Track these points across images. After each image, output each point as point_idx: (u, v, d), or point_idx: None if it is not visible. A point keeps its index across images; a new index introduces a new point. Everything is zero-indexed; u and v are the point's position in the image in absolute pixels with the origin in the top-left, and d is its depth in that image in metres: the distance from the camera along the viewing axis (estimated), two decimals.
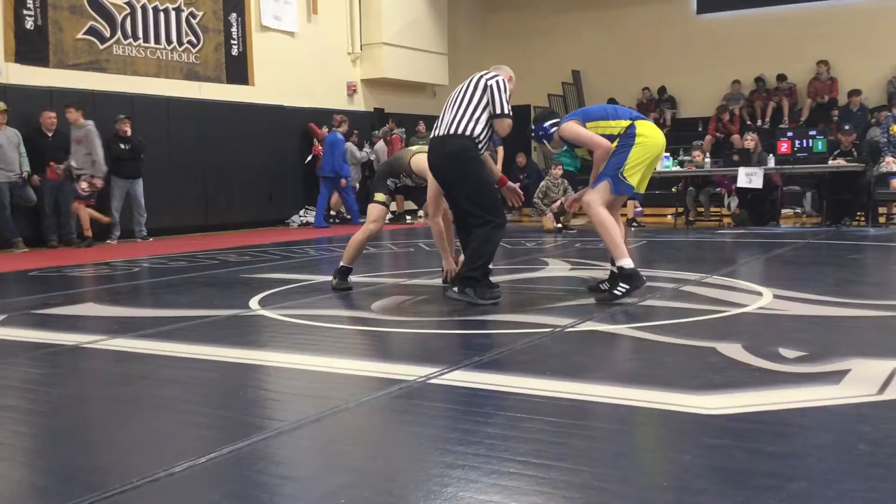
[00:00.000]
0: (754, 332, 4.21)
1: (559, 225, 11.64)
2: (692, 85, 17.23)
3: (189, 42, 13.14)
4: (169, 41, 12.83)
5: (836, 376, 3.18)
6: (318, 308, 5.34)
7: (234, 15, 13.86)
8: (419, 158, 5.69)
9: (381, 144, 15.36)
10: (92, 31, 11.80)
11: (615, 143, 5.09)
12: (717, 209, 12.81)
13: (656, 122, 16.62)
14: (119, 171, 11.55)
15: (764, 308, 4.80)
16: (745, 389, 3.04)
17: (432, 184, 5.51)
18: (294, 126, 14.76)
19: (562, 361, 3.68)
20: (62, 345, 4.33)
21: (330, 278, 6.17)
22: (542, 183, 12.55)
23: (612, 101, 17.17)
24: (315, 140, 14.86)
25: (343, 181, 13.80)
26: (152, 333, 4.54)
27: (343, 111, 15.68)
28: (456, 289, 5.12)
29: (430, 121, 9.67)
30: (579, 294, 5.47)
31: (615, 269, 5.16)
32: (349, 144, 15.01)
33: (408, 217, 15.39)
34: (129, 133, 11.53)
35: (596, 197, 5.09)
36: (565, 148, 5.74)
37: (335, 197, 15.05)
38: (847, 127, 11.99)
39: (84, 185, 10.63)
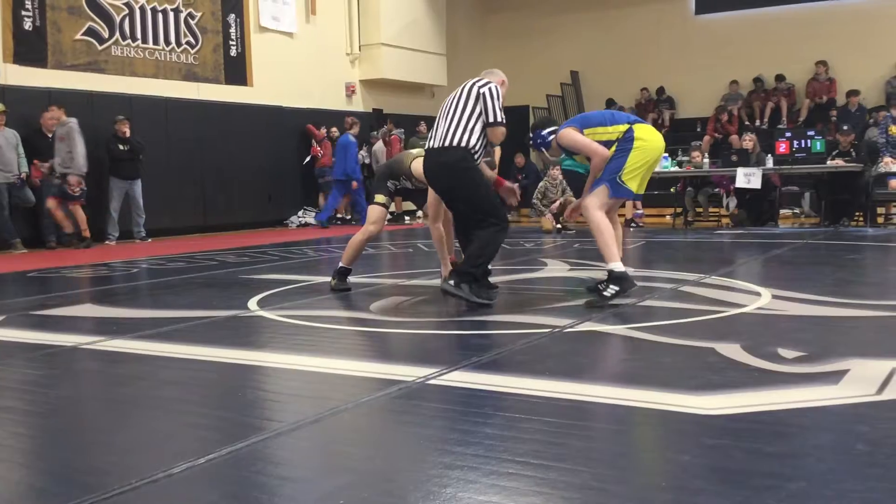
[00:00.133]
0: (753, 332, 4.21)
1: (558, 225, 11.64)
2: (691, 85, 17.24)
3: (187, 43, 13.14)
4: (167, 42, 12.83)
5: (835, 376, 3.18)
6: (317, 309, 5.34)
7: (232, 16, 13.85)
8: (420, 162, 5.69)
9: (379, 145, 15.37)
10: (90, 32, 11.80)
11: (613, 148, 5.09)
12: (716, 209, 12.82)
13: (655, 122, 16.66)
14: (118, 172, 11.56)
15: (762, 308, 4.80)
16: (744, 389, 3.04)
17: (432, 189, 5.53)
18: (293, 127, 14.76)
19: (560, 362, 3.68)
20: (60, 346, 4.32)
21: (329, 279, 6.17)
22: (541, 184, 12.56)
23: (610, 101, 17.23)
24: (313, 141, 14.87)
25: (354, 183, 13.77)
26: (151, 334, 4.54)
27: (342, 112, 15.70)
28: (452, 282, 5.03)
29: (430, 121, 9.66)
30: (578, 294, 5.47)
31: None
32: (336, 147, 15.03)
33: (406, 218, 15.39)
34: (127, 134, 11.53)
35: (594, 201, 5.09)
36: (563, 155, 5.74)
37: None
38: (845, 127, 12.01)
39: (74, 185, 10.54)
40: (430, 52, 17.27)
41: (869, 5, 15.75)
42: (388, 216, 6.30)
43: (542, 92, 17.74)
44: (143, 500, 2.20)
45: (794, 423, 2.68)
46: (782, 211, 12.90)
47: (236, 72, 13.94)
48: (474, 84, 5.12)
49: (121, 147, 11.51)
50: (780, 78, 16.33)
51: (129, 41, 12.29)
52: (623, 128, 5.11)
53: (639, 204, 13.51)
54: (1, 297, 6.63)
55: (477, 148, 5.06)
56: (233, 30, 13.87)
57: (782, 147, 11.73)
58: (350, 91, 16.33)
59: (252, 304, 5.53)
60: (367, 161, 15.26)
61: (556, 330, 4.29)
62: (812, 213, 13.04)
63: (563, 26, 18.49)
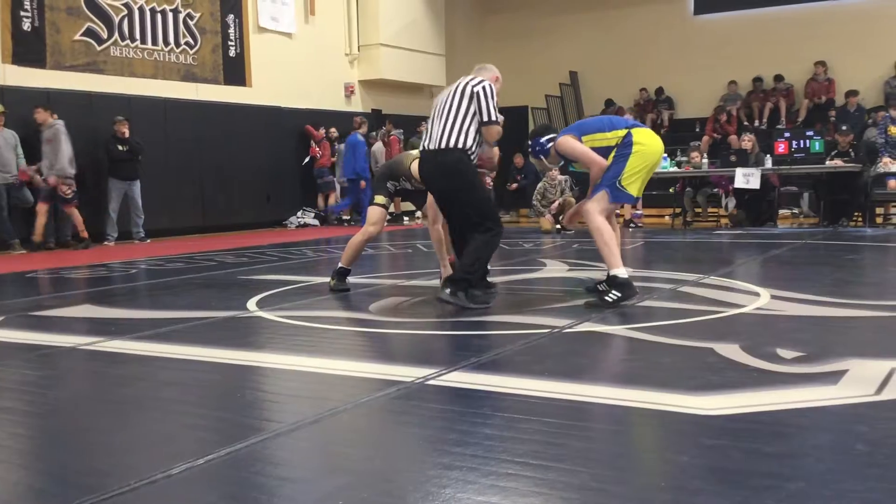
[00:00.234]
0: (752, 332, 4.21)
1: (557, 226, 11.64)
2: (689, 86, 17.24)
3: (186, 43, 13.14)
4: (166, 42, 12.83)
5: (834, 376, 3.18)
6: (316, 309, 5.33)
7: (231, 16, 13.85)
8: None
9: (378, 146, 15.37)
10: (89, 33, 11.80)
11: (613, 153, 5.09)
12: (715, 210, 12.82)
13: (654, 122, 16.67)
14: (117, 173, 11.56)
15: (761, 308, 4.80)
16: (743, 390, 3.04)
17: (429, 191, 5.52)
18: (291, 127, 14.76)
19: (559, 362, 3.68)
20: (59, 346, 4.32)
21: (328, 279, 6.17)
22: (540, 184, 12.55)
23: (609, 102, 17.23)
24: (312, 142, 14.87)
25: (363, 183, 13.78)
26: (150, 335, 4.54)
27: (341, 112, 15.71)
28: (448, 290, 5.00)
29: None
30: (577, 295, 5.47)
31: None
32: (343, 146, 15.03)
33: (405, 219, 15.39)
34: (126, 134, 11.52)
35: (595, 206, 5.09)
36: (562, 163, 5.74)
37: (332, 198, 15.07)
38: (844, 127, 12.01)
39: (65, 188, 10.44)
40: (428, 52, 17.28)
41: (868, 5, 15.76)
42: (388, 217, 6.30)
43: (541, 92, 17.75)
44: (142, 500, 2.19)
45: (793, 423, 2.68)
46: (781, 211, 12.91)
47: (235, 72, 13.94)
48: (468, 83, 5.08)
49: (120, 148, 11.51)
50: (778, 78, 16.34)
51: (128, 42, 12.29)
52: (622, 133, 5.11)
53: (638, 204, 13.51)
54: (0, 297, 6.62)
55: (473, 148, 5.05)
56: (231, 30, 13.87)
57: (781, 147, 11.73)
58: (349, 91, 16.33)
59: (251, 304, 5.53)
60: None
61: (555, 330, 4.29)
62: (811, 214, 13.05)
63: (561, 27, 18.50)
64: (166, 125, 12.72)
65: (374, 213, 5.93)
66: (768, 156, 11.69)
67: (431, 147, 5.09)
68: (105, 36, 11.98)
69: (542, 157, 5.53)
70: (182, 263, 8.54)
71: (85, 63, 11.75)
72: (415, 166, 5.72)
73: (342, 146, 15.00)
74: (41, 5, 11.18)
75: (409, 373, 3.44)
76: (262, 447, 2.59)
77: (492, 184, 14.37)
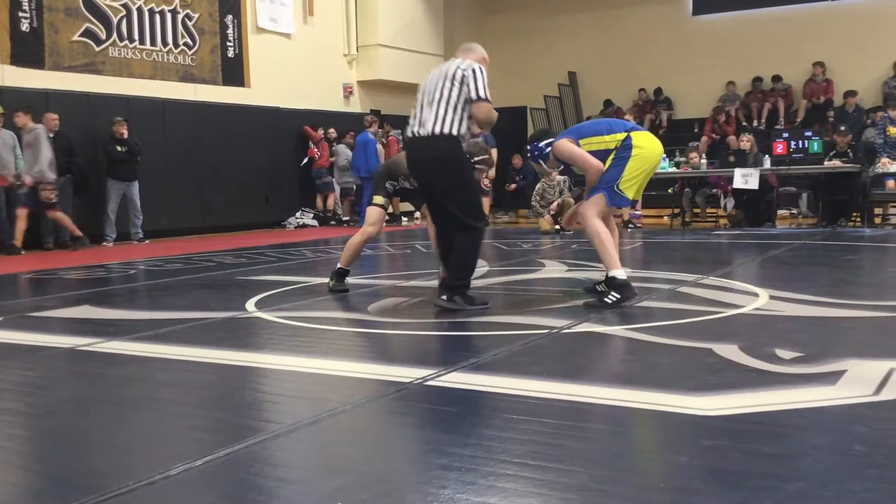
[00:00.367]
0: (750, 332, 4.21)
1: (556, 226, 11.64)
2: (688, 86, 17.25)
3: (185, 44, 13.14)
4: (165, 43, 12.82)
5: (833, 377, 3.18)
6: (315, 310, 5.33)
7: (229, 17, 13.85)
8: None
9: (377, 146, 15.36)
10: (87, 34, 11.80)
11: (611, 157, 5.08)
12: (714, 210, 12.82)
13: (652, 123, 16.68)
14: (115, 174, 11.56)
15: (760, 309, 4.80)
16: (742, 390, 3.04)
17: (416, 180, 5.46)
18: (290, 128, 14.76)
19: (558, 363, 3.68)
20: (58, 347, 4.32)
21: (327, 280, 6.17)
22: (538, 185, 12.55)
23: (608, 102, 17.24)
24: (310, 142, 14.87)
25: None
26: (148, 336, 4.53)
27: (339, 113, 15.72)
28: (445, 297, 5.01)
29: None
30: (576, 295, 5.47)
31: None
32: (341, 147, 15.05)
33: (404, 219, 15.39)
34: (125, 135, 11.52)
35: (592, 209, 5.07)
36: (561, 167, 5.73)
37: (331, 198, 15.08)
38: (843, 128, 12.02)
39: (46, 192, 10.27)
40: (427, 53, 17.27)
41: (866, 6, 15.77)
42: (386, 217, 6.29)
43: (540, 93, 17.76)
44: (141, 501, 2.19)
45: (791, 423, 2.68)
46: (780, 211, 12.92)
47: (234, 73, 13.94)
48: (457, 67, 4.92)
49: (118, 148, 11.51)
50: (777, 78, 16.34)
51: (127, 42, 12.29)
52: (621, 136, 5.09)
53: (637, 205, 13.51)
54: None
55: (465, 136, 4.97)
56: (230, 31, 13.87)
57: (780, 148, 11.73)
58: (348, 92, 16.33)
59: (250, 305, 5.53)
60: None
61: (554, 331, 4.29)
62: (809, 214, 13.06)
63: (560, 27, 18.51)
64: (165, 126, 12.72)
65: (372, 213, 5.93)
66: (767, 156, 11.69)
67: (422, 133, 4.94)
68: (103, 37, 11.98)
69: (541, 161, 5.52)
70: (181, 264, 8.53)
71: (83, 64, 11.74)
72: None
73: (339, 147, 15.02)
74: (39, 6, 11.18)
75: (407, 373, 3.44)
76: (261, 448, 2.59)
77: (490, 184, 14.45)
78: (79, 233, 10.78)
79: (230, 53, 13.87)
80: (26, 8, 11.03)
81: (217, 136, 13.41)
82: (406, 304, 5.54)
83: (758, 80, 16.62)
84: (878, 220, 11.76)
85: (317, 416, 2.90)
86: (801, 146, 11.65)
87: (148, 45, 12.58)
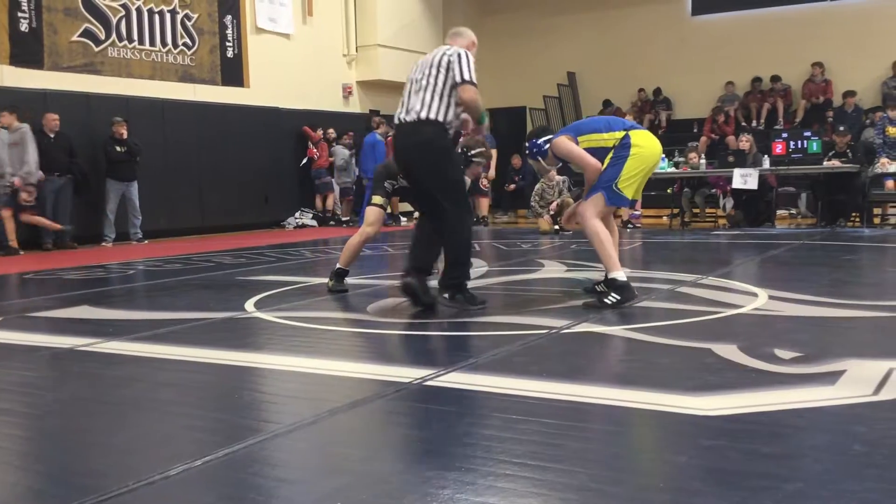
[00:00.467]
0: (750, 332, 4.21)
1: (556, 226, 11.64)
2: (687, 86, 17.26)
3: (184, 44, 13.13)
4: (164, 43, 12.82)
5: (832, 377, 3.18)
6: (314, 310, 5.33)
7: (229, 17, 13.85)
8: None
9: None
10: (87, 34, 11.79)
11: (610, 155, 5.05)
12: (713, 210, 12.83)
13: (652, 123, 16.68)
14: (115, 174, 11.56)
15: (759, 309, 4.80)
16: (741, 390, 3.04)
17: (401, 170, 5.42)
18: (289, 128, 14.76)
19: (558, 363, 3.68)
20: (57, 348, 4.32)
21: (326, 280, 6.16)
22: (538, 185, 12.56)
23: (607, 102, 17.24)
24: (310, 143, 14.87)
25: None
26: (147, 336, 4.53)
27: (338, 113, 15.71)
28: (447, 296, 4.96)
29: None
30: (575, 295, 5.47)
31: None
32: (339, 147, 15.05)
33: (403, 219, 15.39)
34: (124, 135, 11.52)
35: (591, 209, 5.05)
36: (560, 164, 5.70)
37: (331, 198, 15.08)
38: (842, 128, 12.03)
39: (25, 195, 10.17)
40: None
41: (866, 6, 15.78)
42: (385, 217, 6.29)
43: (539, 93, 17.76)
44: (140, 502, 2.19)
45: (790, 423, 2.68)
46: (779, 212, 12.92)
47: (233, 73, 13.94)
48: (444, 54, 4.84)
49: (118, 149, 11.51)
50: (776, 79, 16.35)
51: (126, 42, 12.29)
52: (619, 135, 5.07)
53: (637, 205, 13.50)
54: None
55: (452, 123, 4.86)
56: (229, 31, 13.87)
57: (779, 148, 11.74)
58: (347, 92, 16.33)
59: (249, 305, 5.53)
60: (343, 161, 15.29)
61: (554, 331, 4.29)
62: (809, 214, 13.06)
63: (559, 27, 18.51)
64: (164, 126, 12.71)
65: (371, 213, 5.92)
66: (766, 156, 11.70)
67: (407, 119, 4.84)
68: (103, 37, 11.98)
69: (539, 158, 5.49)
70: (180, 264, 8.53)
71: (82, 64, 11.74)
72: None
73: (337, 147, 15.01)
74: (39, 6, 11.17)
75: (407, 374, 3.44)
76: (260, 448, 2.59)
77: (489, 184, 14.45)
78: (58, 226, 10.58)
79: (229, 54, 13.87)
80: (25, 8, 11.03)
81: (216, 136, 13.41)
82: (405, 304, 5.53)
83: (757, 80, 16.63)
84: (877, 221, 11.76)
85: (316, 417, 2.89)
86: (800, 146, 11.66)
87: (147, 46, 12.58)
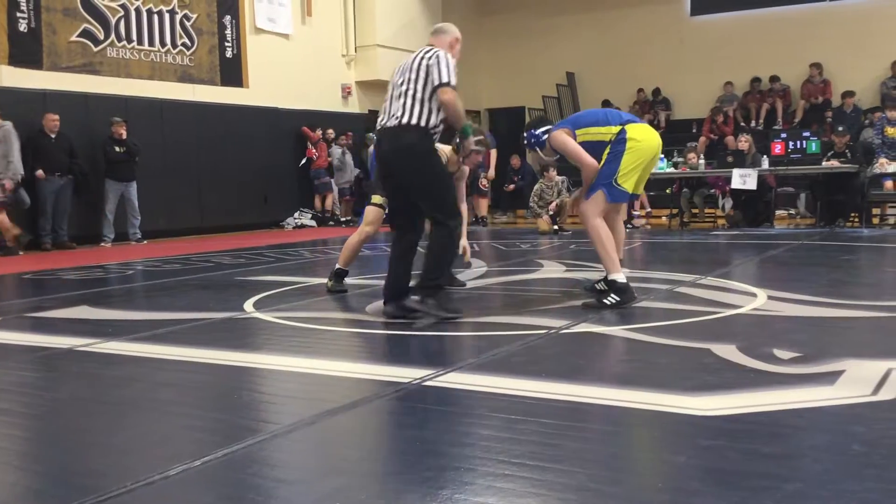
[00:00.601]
0: (749, 333, 4.21)
1: (555, 227, 11.65)
2: (686, 86, 17.27)
3: (183, 44, 13.13)
4: (163, 43, 12.82)
5: (831, 377, 3.18)
6: (313, 310, 5.33)
7: (228, 17, 13.85)
8: None
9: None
10: (85, 34, 11.79)
11: (607, 150, 5.03)
12: (712, 210, 12.83)
13: (651, 123, 16.65)
14: (114, 174, 11.55)
15: (758, 309, 4.80)
16: (740, 390, 3.04)
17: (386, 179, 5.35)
18: (288, 128, 14.76)
19: (557, 363, 3.68)
20: (56, 348, 4.31)
21: (325, 280, 6.16)
22: (537, 186, 12.57)
23: (606, 103, 17.24)
24: (309, 143, 14.87)
25: None
26: (146, 336, 4.53)
27: (338, 113, 15.71)
28: (417, 297, 4.71)
29: None
30: (574, 295, 5.47)
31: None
32: (335, 148, 15.05)
33: None
34: (123, 136, 11.52)
35: (592, 208, 5.02)
36: (558, 156, 5.68)
37: (330, 199, 15.08)
38: (841, 128, 12.03)
39: (7, 190, 10.09)
40: None
41: (865, 6, 15.79)
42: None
43: (538, 93, 17.77)
44: (139, 502, 2.19)
45: (790, 423, 2.69)
46: (778, 212, 12.92)
47: (232, 73, 13.94)
48: (424, 56, 4.65)
49: (116, 149, 11.50)
50: (774, 79, 16.37)
51: (125, 43, 12.28)
52: (615, 129, 5.03)
53: (637, 204, 13.51)
54: None
55: (438, 128, 4.71)
56: (228, 31, 13.86)
57: (778, 148, 11.74)
58: (346, 92, 16.33)
59: (248, 305, 5.52)
60: (338, 161, 15.28)
61: (553, 331, 4.29)
62: (808, 214, 13.06)
63: (558, 28, 18.52)
64: (163, 126, 12.71)
65: (370, 213, 5.92)
66: (765, 156, 11.70)
67: (389, 124, 4.68)
68: (101, 37, 11.97)
69: (537, 148, 5.47)
70: (179, 265, 8.53)
71: (81, 64, 11.74)
72: None
73: (334, 147, 15.01)
74: (37, 6, 11.17)
75: (406, 374, 3.44)
76: (259, 448, 2.59)
77: (488, 184, 14.46)
78: (17, 230, 10.35)
79: (228, 54, 13.87)
80: (24, 8, 11.02)
81: (215, 136, 13.41)
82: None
83: (756, 80, 16.64)
84: (876, 221, 11.77)
85: (315, 417, 2.89)
86: (799, 146, 11.66)
87: (146, 46, 12.57)
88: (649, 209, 14.38)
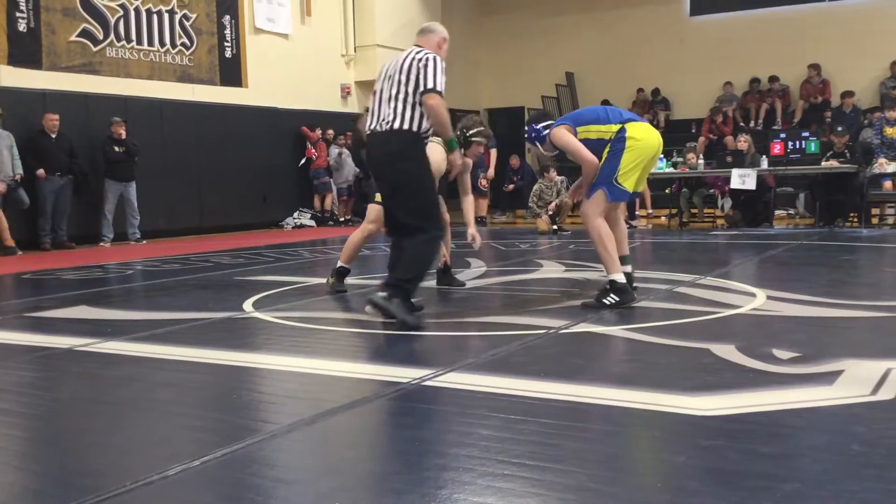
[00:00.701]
0: (748, 333, 4.22)
1: (554, 227, 11.65)
2: (686, 86, 17.27)
3: (182, 44, 13.12)
4: (162, 43, 12.81)
5: (830, 377, 3.18)
6: (312, 310, 5.33)
7: (227, 17, 13.84)
8: None
9: None
10: (85, 34, 11.78)
11: (607, 149, 5.02)
12: (711, 210, 12.83)
13: (650, 123, 16.62)
14: (113, 174, 11.54)
15: (757, 309, 4.80)
16: (739, 390, 3.05)
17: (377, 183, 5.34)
18: (288, 128, 14.74)
19: (556, 363, 3.68)
20: (56, 348, 4.31)
21: (324, 280, 6.16)
22: (536, 186, 12.57)
23: (605, 103, 17.22)
24: (308, 143, 14.86)
25: None
26: (146, 336, 4.53)
27: (337, 113, 15.71)
28: (385, 294, 4.55)
29: None
30: (573, 296, 5.47)
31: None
32: (332, 148, 15.05)
33: None
34: (123, 136, 11.51)
35: (593, 208, 5.01)
36: (557, 152, 5.67)
37: (329, 199, 15.07)
38: (840, 128, 12.03)
39: None
40: None
41: (864, 7, 15.79)
42: None
43: (538, 93, 17.76)
44: (139, 502, 2.19)
45: (789, 423, 2.69)
46: (777, 212, 12.92)
47: (231, 73, 13.93)
48: (413, 59, 4.54)
49: (116, 149, 11.49)
50: (774, 79, 16.36)
51: (124, 42, 12.27)
52: (615, 128, 5.02)
53: (638, 204, 13.49)
54: None
55: (428, 132, 4.64)
56: (228, 31, 13.85)
57: (777, 148, 11.73)
58: (345, 92, 16.33)
59: (247, 305, 5.52)
60: (334, 160, 15.27)
61: (552, 331, 4.29)
62: (807, 214, 13.06)
63: (558, 28, 18.51)
64: (162, 126, 12.70)
65: (373, 210, 5.88)
66: (764, 156, 11.70)
67: (378, 129, 4.60)
68: (101, 37, 11.97)
69: (537, 143, 5.46)
70: (178, 264, 8.53)
71: (81, 64, 11.73)
72: None
73: (331, 148, 15.01)
74: (37, 6, 11.16)
75: (405, 374, 3.44)
76: (259, 448, 2.59)
77: (487, 184, 14.45)
78: (10, 242, 10.23)
79: (228, 54, 13.86)
80: (23, 8, 11.01)
81: (215, 136, 13.40)
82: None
83: (755, 80, 16.63)
84: (875, 221, 11.77)
85: (314, 417, 2.89)
86: (798, 146, 11.65)
87: (145, 46, 12.57)
88: (650, 210, 14.37)
